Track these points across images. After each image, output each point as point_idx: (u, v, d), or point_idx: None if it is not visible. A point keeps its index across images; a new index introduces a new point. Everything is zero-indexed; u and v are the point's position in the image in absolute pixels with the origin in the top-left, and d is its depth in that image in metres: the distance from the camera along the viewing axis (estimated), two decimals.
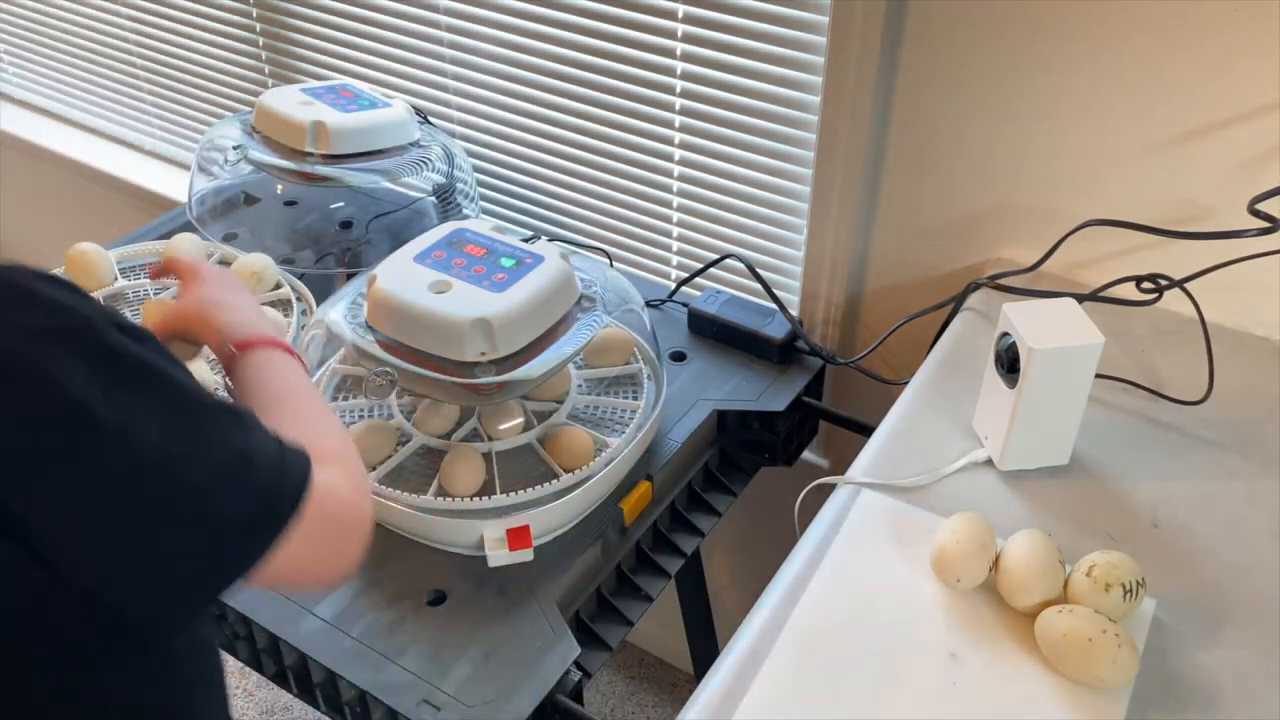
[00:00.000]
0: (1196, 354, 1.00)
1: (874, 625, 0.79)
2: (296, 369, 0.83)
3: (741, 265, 1.30)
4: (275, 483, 0.64)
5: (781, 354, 1.23)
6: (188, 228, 1.39)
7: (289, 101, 1.34)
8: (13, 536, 0.56)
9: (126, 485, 0.57)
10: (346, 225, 1.45)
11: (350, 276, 1.17)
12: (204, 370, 1.12)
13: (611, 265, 1.42)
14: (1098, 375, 0.88)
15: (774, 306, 1.25)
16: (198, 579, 0.62)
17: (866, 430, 1.04)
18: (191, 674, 0.74)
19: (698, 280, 1.36)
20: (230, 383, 0.82)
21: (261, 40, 1.69)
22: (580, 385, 1.14)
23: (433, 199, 1.42)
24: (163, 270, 0.99)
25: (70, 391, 0.56)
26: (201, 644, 0.75)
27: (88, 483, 0.56)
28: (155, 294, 1.27)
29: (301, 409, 0.78)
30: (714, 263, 1.34)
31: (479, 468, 1.01)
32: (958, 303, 1.13)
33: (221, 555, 0.62)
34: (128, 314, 1.24)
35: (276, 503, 0.64)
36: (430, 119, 1.50)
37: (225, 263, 1.31)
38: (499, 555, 0.96)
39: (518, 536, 0.96)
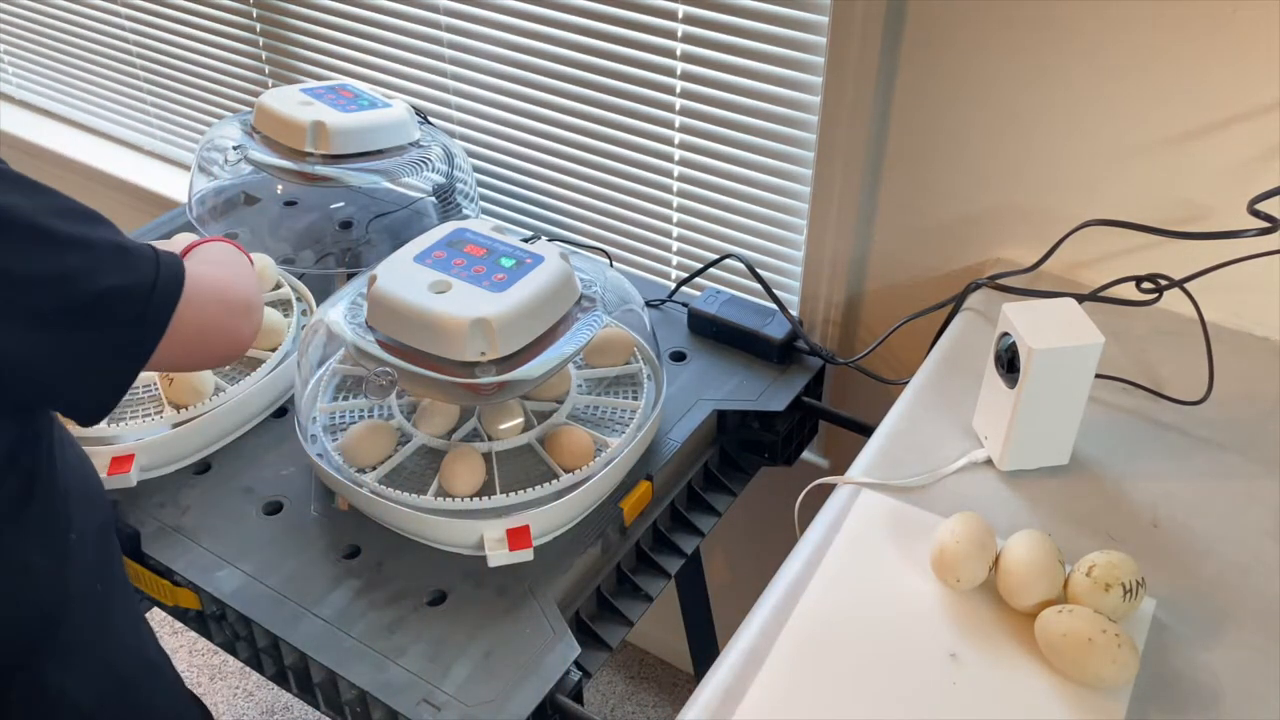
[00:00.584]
0: (1196, 354, 1.00)
1: (874, 625, 0.79)
2: (226, 250, 0.99)
3: (741, 265, 1.30)
4: (159, 262, 0.82)
5: (781, 354, 1.23)
6: (188, 228, 1.39)
7: (289, 101, 1.34)
8: None
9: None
10: (346, 225, 1.45)
11: (350, 276, 1.17)
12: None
13: (611, 265, 1.42)
14: (1098, 375, 0.88)
15: (774, 306, 1.25)
16: (115, 356, 0.80)
17: (866, 430, 1.04)
18: (90, 559, 0.90)
19: (698, 280, 1.36)
20: None
21: (261, 40, 1.69)
22: (580, 385, 1.14)
23: (433, 199, 1.42)
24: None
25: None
26: (96, 533, 0.92)
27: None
28: None
29: (216, 264, 0.93)
30: (714, 263, 1.34)
31: (479, 468, 1.01)
32: (958, 303, 1.13)
33: (129, 327, 0.79)
34: None
35: (159, 275, 0.81)
36: (430, 119, 1.50)
37: None
38: (499, 555, 0.96)
39: (518, 536, 0.96)
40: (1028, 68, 1.05)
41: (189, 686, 1.86)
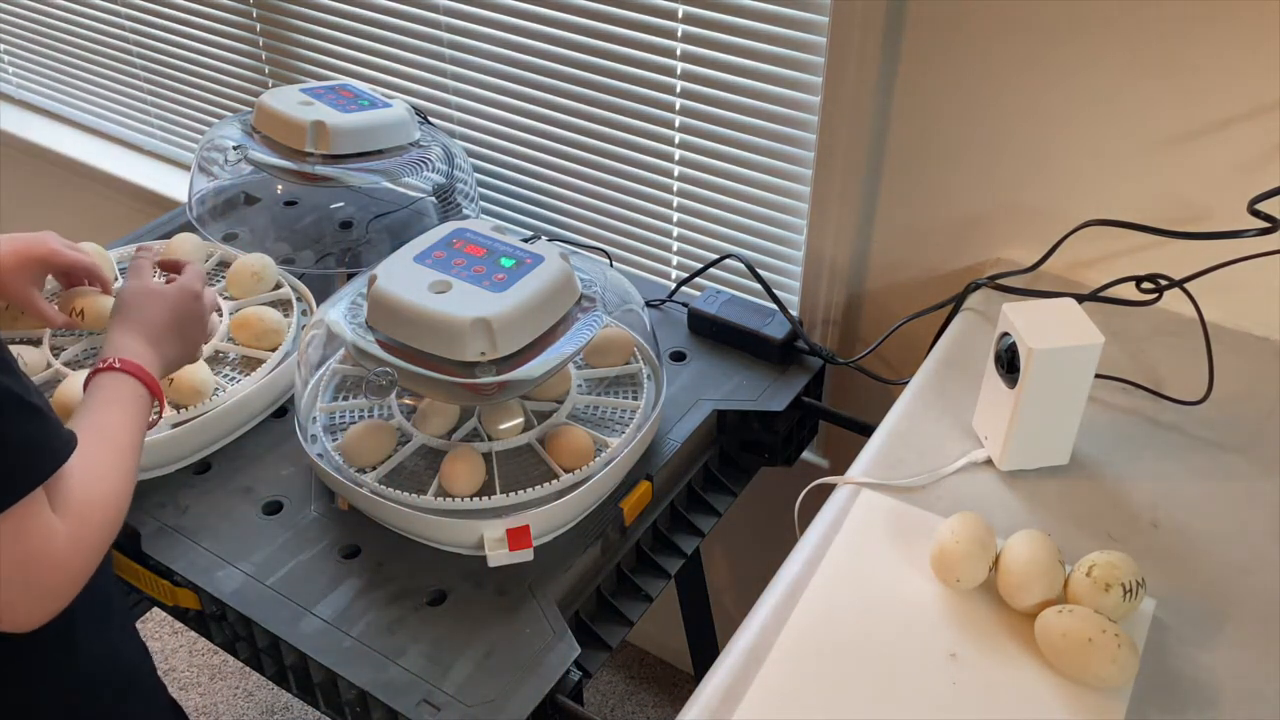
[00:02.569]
0: (1196, 354, 1.00)
1: (874, 625, 0.79)
2: (132, 401, 0.87)
3: (741, 265, 1.30)
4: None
5: (781, 354, 1.23)
6: (188, 228, 1.39)
7: (289, 101, 1.34)
8: None
9: None
10: (346, 225, 1.45)
11: (350, 276, 1.17)
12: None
13: (611, 265, 1.42)
14: (1098, 375, 0.88)
15: (774, 306, 1.25)
16: None
17: (866, 430, 1.04)
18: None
19: (698, 280, 1.36)
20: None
21: (261, 40, 1.69)
22: (580, 385, 1.14)
23: (433, 199, 1.42)
24: (166, 265, 1.11)
25: None
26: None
27: None
28: None
29: (103, 441, 0.81)
30: (714, 263, 1.34)
31: (479, 468, 1.01)
32: (958, 303, 1.13)
33: None
34: None
35: None
36: (430, 119, 1.50)
37: (225, 263, 1.31)
38: (499, 555, 0.96)
39: (518, 536, 0.96)
40: (1027, 68, 1.05)
41: (189, 686, 1.87)
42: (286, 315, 1.23)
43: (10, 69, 2.18)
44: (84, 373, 1.10)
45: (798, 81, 1.20)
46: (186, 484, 1.08)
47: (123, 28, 1.88)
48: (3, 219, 2.43)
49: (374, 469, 1.03)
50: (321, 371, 1.15)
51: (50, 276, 1.16)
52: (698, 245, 1.40)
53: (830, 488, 0.93)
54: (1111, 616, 0.75)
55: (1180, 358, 1.03)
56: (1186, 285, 1.00)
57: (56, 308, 1.14)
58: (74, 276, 1.16)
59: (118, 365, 0.88)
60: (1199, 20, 0.95)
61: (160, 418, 0.92)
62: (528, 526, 0.97)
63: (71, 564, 0.74)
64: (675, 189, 1.38)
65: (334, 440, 1.06)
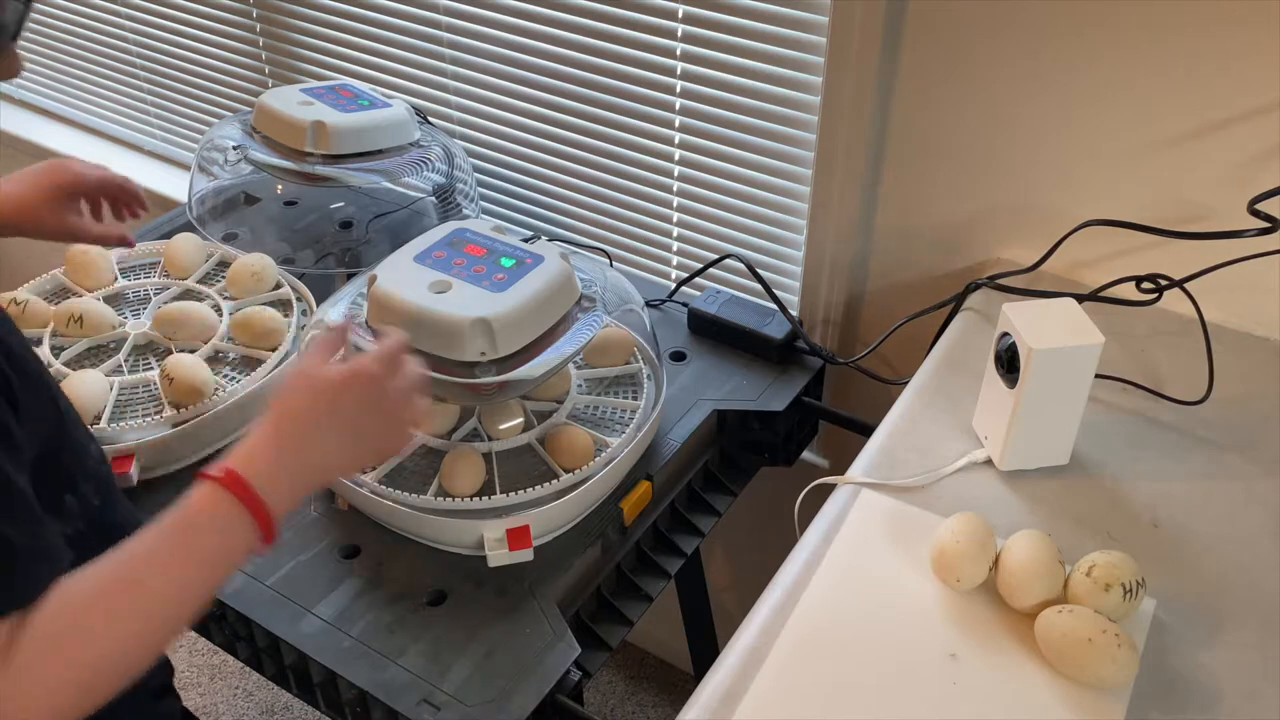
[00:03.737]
0: (1196, 354, 1.00)
1: (874, 625, 0.79)
2: (212, 526, 0.68)
3: (741, 265, 1.30)
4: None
5: (781, 354, 1.23)
6: (188, 228, 1.39)
7: (289, 101, 1.34)
8: None
9: None
10: (346, 225, 1.45)
11: (350, 276, 1.17)
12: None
13: (611, 265, 1.42)
14: (1098, 375, 0.88)
15: (774, 306, 1.25)
16: None
17: (866, 430, 1.03)
18: None
19: (698, 280, 1.36)
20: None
21: (261, 40, 1.69)
22: (580, 385, 1.14)
23: (433, 199, 1.42)
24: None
25: None
26: None
27: None
28: (156, 293, 1.27)
29: (125, 582, 0.65)
30: (714, 263, 1.34)
31: (479, 468, 1.01)
32: (958, 303, 1.13)
33: None
34: (127, 314, 1.24)
35: None
36: (430, 119, 1.50)
37: (225, 263, 1.31)
38: (499, 555, 0.96)
39: (518, 536, 0.96)
40: (1028, 68, 1.05)
41: (189, 686, 1.87)
42: (286, 315, 1.23)
43: None
44: (87, 373, 1.11)
45: (798, 81, 1.20)
46: (187, 484, 1.07)
47: (123, 28, 1.88)
48: None
49: (374, 469, 1.03)
50: None
51: (84, 204, 1.11)
52: (698, 245, 1.40)
53: (830, 488, 0.93)
54: (1111, 616, 0.75)
55: (1180, 358, 1.03)
56: (1186, 285, 1.00)
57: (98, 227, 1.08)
58: (108, 193, 1.12)
59: (217, 474, 0.69)
60: (1199, 20, 0.95)
61: (269, 548, 0.70)
62: (528, 526, 0.97)
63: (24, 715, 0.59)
64: (675, 189, 1.38)
65: None
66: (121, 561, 0.65)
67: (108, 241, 1.10)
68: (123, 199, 1.14)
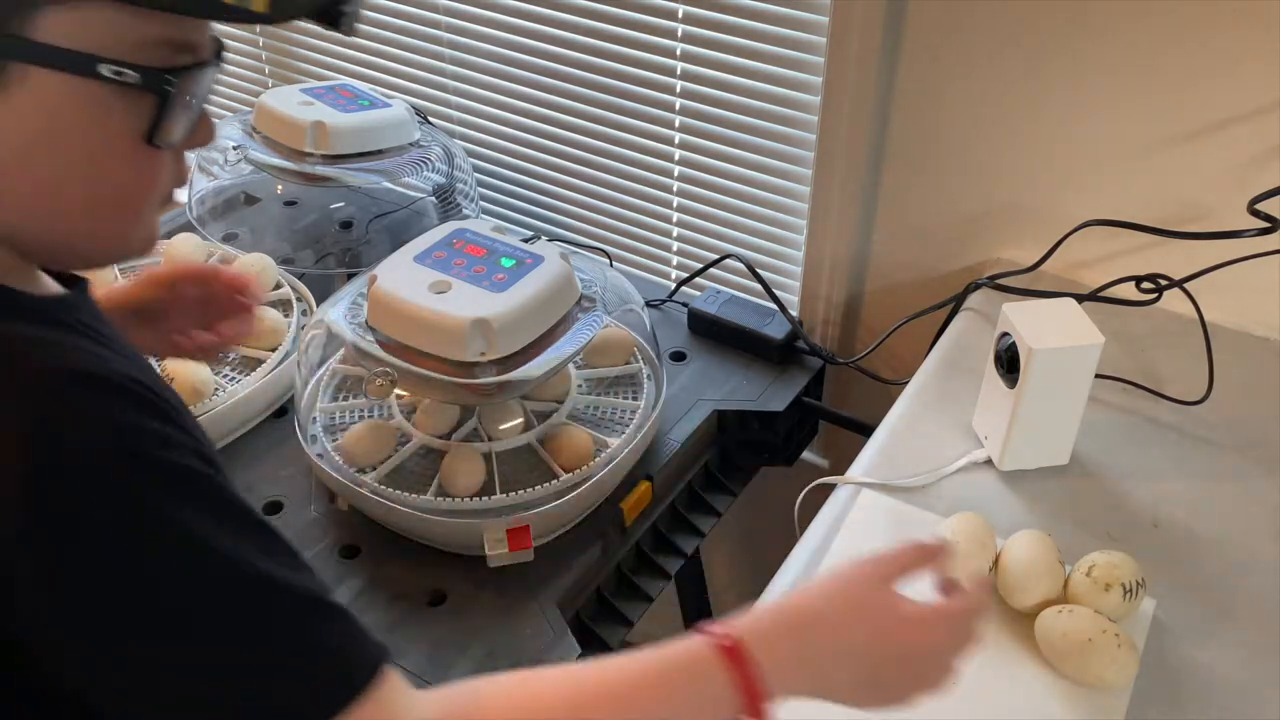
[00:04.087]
0: (1196, 354, 1.00)
1: None
2: (689, 690, 0.62)
3: (741, 265, 1.30)
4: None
5: (781, 354, 1.23)
6: (188, 228, 1.39)
7: (289, 101, 1.34)
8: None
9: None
10: (346, 225, 1.45)
11: (350, 276, 1.17)
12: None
13: (611, 265, 1.42)
14: (1098, 375, 0.88)
15: (774, 306, 1.25)
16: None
17: (866, 430, 1.03)
18: None
19: (698, 280, 1.36)
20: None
21: (261, 40, 1.69)
22: (580, 385, 1.14)
23: (433, 199, 1.42)
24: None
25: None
26: None
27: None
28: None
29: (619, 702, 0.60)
30: (714, 263, 1.34)
31: (479, 468, 1.01)
32: (958, 303, 1.13)
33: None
34: None
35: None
36: (430, 119, 1.50)
37: (225, 263, 1.31)
38: (499, 555, 0.96)
39: (518, 536, 0.96)
40: (1028, 68, 1.05)
41: None
42: (286, 315, 1.23)
43: None
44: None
45: (798, 81, 1.20)
46: None
47: None
48: None
49: (374, 469, 1.03)
50: (321, 372, 1.14)
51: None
52: (698, 245, 1.40)
53: (830, 488, 0.93)
54: (1111, 616, 0.75)
55: (1180, 358, 1.03)
56: (1186, 285, 1.00)
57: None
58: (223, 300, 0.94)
59: (722, 637, 0.61)
60: (1200, 20, 0.95)
61: None
62: (528, 526, 0.97)
63: None
64: (675, 189, 1.38)
65: (334, 440, 1.06)
66: (576, 685, 0.60)
67: (238, 339, 0.96)
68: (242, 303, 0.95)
